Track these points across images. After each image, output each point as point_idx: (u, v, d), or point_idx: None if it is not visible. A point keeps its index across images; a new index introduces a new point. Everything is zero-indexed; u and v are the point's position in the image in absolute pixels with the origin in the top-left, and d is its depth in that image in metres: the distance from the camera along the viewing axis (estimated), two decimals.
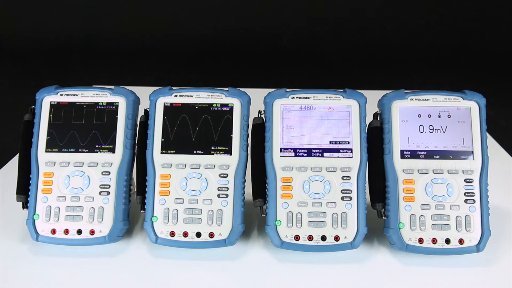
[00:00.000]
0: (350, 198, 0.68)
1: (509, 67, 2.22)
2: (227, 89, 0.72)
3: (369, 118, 0.72)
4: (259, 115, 0.73)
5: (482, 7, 2.37)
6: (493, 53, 2.31)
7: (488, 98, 0.72)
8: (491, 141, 1.06)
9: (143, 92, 0.75)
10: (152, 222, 0.68)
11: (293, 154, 0.69)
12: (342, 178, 0.69)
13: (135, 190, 0.73)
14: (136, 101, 0.73)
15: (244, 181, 0.70)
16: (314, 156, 0.69)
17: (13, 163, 0.94)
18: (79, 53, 2.36)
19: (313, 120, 0.70)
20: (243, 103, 0.71)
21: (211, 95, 0.72)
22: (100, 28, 2.43)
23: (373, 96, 0.74)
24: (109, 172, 0.70)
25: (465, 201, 0.67)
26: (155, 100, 0.71)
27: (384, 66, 2.24)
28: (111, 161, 0.70)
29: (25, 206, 0.71)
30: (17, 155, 0.72)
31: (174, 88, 0.72)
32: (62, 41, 2.41)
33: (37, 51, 2.35)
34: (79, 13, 2.43)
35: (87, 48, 2.38)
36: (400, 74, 2.14)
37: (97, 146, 0.70)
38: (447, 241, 0.66)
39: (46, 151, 0.70)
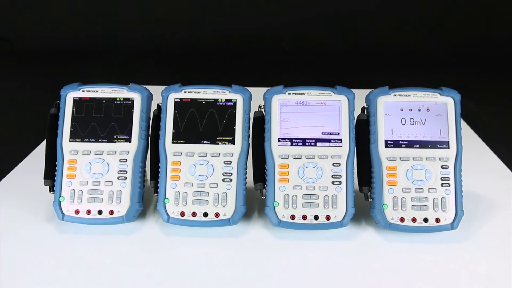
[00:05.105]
0: (340, 182, 0.73)
1: (494, 68, 2.29)
2: (231, 86, 0.78)
3: (357, 112, 0.77)
4: (259, 109, 0.78)
5: (476, 8, 2.44)
6: (481, 55, 2.38)
7: (473, 96, 0.78)
8: (473, 134, 1.14)
9: (154, 90, 0.81)
10: (165, 203, 0.73)
11: (289, 143, 0.75)
12: (333, 164, 0.74)
13: (148, 177, 0.79)
14: (150, 96, 0.78)
15: (246, 167, 0.75)
16: (308, 145, 0.75)
17: (36, 153, 1.00)
18: (91, 54, 2.41)
19: (307, 114, 0.76)
20: (245, 99, 0.77)
21: (217, 91, 0.77)
22: (109, 30, 2.49)
23: (362, 94, 0.80)
24: (126, 160, 0.75)
25: (441, 184, 0.73)
26: (167, 96, 0.77)
27: (381, 68, 2.30)
28: (127, 150, 0.75)
29: (51, 189, 0.76)
30: (38, 146, 0.76)
31: (183, 85, 0.78)
32: (74, 42, 2.46)
33: (49, 53, 2.41)
34: (90, 15, 2.48)
35: (98, 50, 2.43)
36: (397, 75, 2.20)
37: (115, 136, 0.76)
38: (425, 220, 0.72)
39: (70, 141, 0.76)
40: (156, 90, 0.81)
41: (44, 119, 0.79)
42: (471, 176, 0.81)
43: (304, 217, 0.73)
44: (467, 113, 1.19)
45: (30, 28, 2.50)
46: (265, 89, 0.78)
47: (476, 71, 2.25)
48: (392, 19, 2.49)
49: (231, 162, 0.75)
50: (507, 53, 2.41)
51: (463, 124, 1.16)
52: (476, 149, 1.08)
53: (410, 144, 0.75)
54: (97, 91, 0.78)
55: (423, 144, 0.75)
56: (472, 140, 1.12)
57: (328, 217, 0.73)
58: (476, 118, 1.37)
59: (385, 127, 0.75)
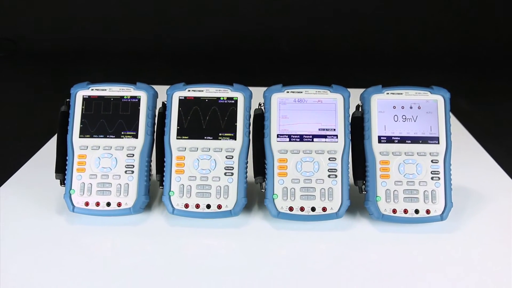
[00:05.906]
0: (336, 176, 0.77)
1: (491, 69, 2.32)
2: (232, 85, 0.81)
3: (352, 109, 0.80)
4: (259, 107, 0.81)
5: (476, 10, 2.47)
6: (479, 56, 2.42)
7: (466, 96, 0.81)
8: (465, 132, 1.18)
9: (159, 89, 0.84)
10: (170, 196, 0.77)
11: (287, 139, 0.78)
12: (329, 159, 0.77)
13: (154, 171, 0.82)
14: (155, 95, 0.82)
15: (247, 162, 0.79)
16: (306, 141, 0.78)
17: (46, 149, 1.04)
18: (93, 55, 2.44)
19: (305, 111, 0.79)
20: (246, 97, 0.80)
21: (219, 90, 0.80)
22: (110, 31, 2.52)
23: (356, 92, 0.83)
24: (133, 154, 0.78)
25: (432, 178, 0.76)
26: (172, 94, 0.80)
27: (379, 68, 2.34)
28: (134, 145, 0.79)
29: (62, 183, 0.79)
30: (47, 143, 0.79)
31: (187, 84, 0.82)
32: (76, 43, 2.49)
33: (51, 53, 2.44)
34: (92, 16, 2.51)
35: (99, 50, 2.46)
36: (394, 75, 2.23)
37: (122, 132, 0.79)
38: (416, 211, 0.75)
39: (79, 137, 0.79)
40: (161, 89, 0.84)
41: (47, 118, 0.82)
42: (462, 171, 0.85)
43: (302, 209, 0.76)
44: (460, 112, 1.24)
45: (32, 28, 2.53)
46: (264, 88, 0.81)
47: (474, 72, 2.29)
48: (391, 20, 2.52)
49: (232, 156, 0.78)
50: (502, 54, 2.44)
51: (456, 122, 1.20)
52: (468, 146, 1.11)
53: (402, 139, 0.78)
54: (105, 90, 0.82)
55: (415, 140, 0.78)
56: (463, 137, 1.16)
57: (324, 209, 0.76)
58: (468, 116, 1.41)
59: (378, 124, 0.78)
